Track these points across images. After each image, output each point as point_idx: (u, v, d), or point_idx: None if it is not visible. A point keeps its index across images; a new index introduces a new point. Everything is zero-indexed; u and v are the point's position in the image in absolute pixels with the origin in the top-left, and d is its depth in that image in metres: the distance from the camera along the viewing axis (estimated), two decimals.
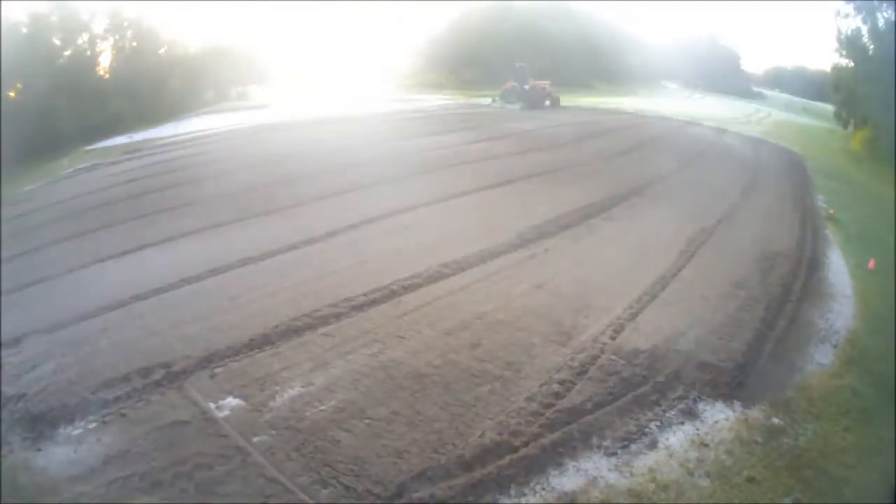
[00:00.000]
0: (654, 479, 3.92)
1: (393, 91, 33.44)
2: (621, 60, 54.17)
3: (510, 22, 43.45)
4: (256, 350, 4.94)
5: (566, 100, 27.75)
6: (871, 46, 20.53)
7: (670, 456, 4.13)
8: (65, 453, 3.77)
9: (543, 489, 3.67)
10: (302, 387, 4.46)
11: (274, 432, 3.94)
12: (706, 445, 4.27)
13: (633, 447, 4.13)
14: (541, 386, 4.62)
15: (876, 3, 20.26)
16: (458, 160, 12.66)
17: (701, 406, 4.69)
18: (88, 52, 29.46)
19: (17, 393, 4.32)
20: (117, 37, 31.17)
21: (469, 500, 3.51)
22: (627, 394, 4.63)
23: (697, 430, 4.42)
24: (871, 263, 8.27)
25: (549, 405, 4.39)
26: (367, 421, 4.10)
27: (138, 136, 21.94)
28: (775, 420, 4.62)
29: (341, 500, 3.42)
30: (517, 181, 11.08)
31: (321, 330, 5.30)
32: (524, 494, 3.62)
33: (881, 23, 20.47)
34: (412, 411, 4.23)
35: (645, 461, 4.06)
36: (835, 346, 5.89)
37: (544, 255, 7.42)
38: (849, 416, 4.78)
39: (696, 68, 64.69)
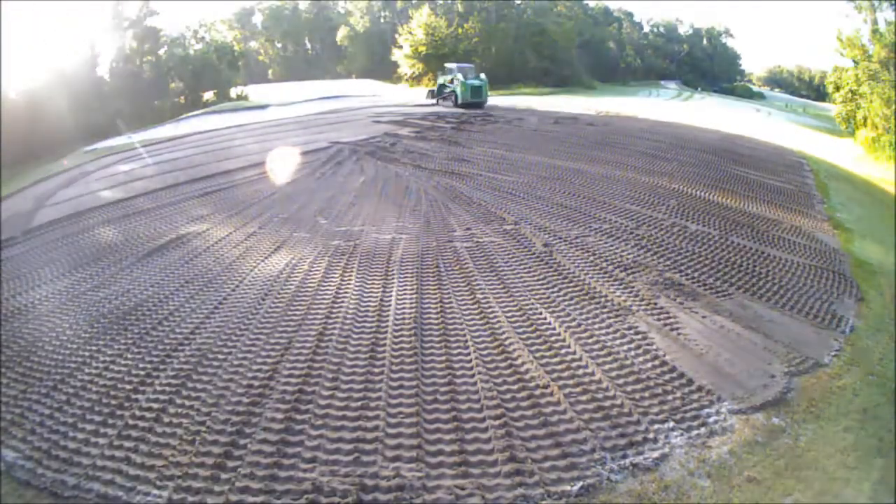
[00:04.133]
0: (655, 479, 3.93)
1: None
2: (621, 61, 54.16)
3: (510, 21, 43.45)
4: None
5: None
6: (871, 46, 20.53)
7: (671, 456, 4.14)
8: None
9: None
10: None
11: None
12: (707, 446, 4.28)
13: None
14: None
15: (876, 2, 20.26)
16: None
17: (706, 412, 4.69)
18: (88, 52, 29.46)
19: None
20: (117, 37, 31.17)
21: None
22: None
23: (699, 431, 4.43)
24: None
25: None
26: None
27: (138, 136, 21.93)
28: (775, 420, 4.62)
29: None
30: None
31: None
32: None
33: (881, 23, 20.47)
34: None
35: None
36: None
37: None
38: (849, 416, 4.78)
39: (697, 69, 64.80)
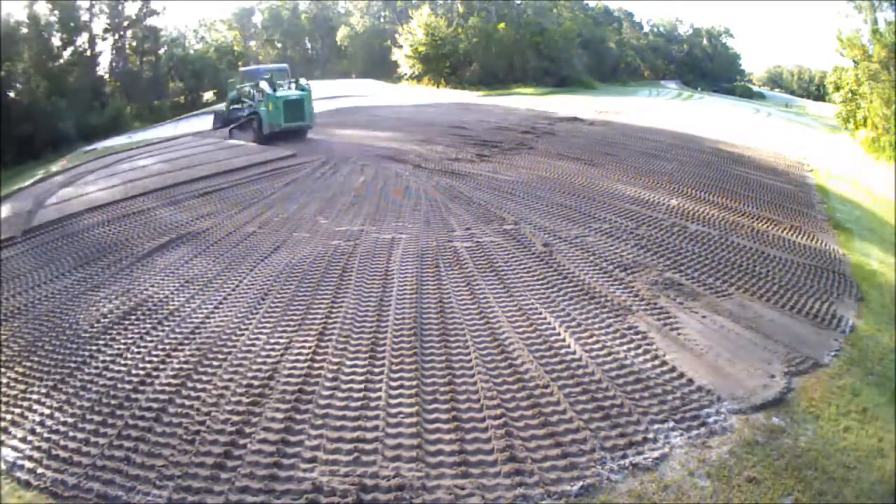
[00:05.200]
0: (655, 479, 3.93)
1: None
2: (622, 61, 54.10)
3: (510, 21, 43.44)
4: None
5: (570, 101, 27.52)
6: (871, 46, 20.53)
7: (671, 456, 4.15)
8: None
9: None
10: None
11: None
12: (707, 446, 4.28)
13: None
14: None
15: (876, 2, 20.26)
16: None
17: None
18: (88, 52, 29.47)
19: None
20: (117, 37, 31.17)
21: None
22: None
23: (699, 431, 4.44)
24: None
25: None
26: None
27: (138, 136, 21.92)
28: (775, 420, 4.62)
29: None
30: None
31: None
32: None
33: (881, 23, 20.48)
34: None
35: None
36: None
37: None
38: (849, 416, 4.78)
39: (697, 69, 64.78)
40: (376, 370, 5.14)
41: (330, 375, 5.07)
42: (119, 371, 5.33)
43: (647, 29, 70.53)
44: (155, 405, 4.76)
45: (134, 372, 5.30)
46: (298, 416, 4.54)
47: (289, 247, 8.48)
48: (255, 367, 5.26)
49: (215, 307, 6.56)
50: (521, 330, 5.84)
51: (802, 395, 4.98)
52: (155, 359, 5.51)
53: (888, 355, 5.80)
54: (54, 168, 16.84)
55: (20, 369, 5.54)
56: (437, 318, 6.08)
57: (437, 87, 41.54)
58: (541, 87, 40.50)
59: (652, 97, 40.29)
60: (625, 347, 5.55)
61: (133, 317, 6.46)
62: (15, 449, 4.41)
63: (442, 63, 42.57)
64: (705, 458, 4.16)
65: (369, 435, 4.31)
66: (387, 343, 5.59)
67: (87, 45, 29.41)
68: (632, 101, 34.10)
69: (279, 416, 4.54)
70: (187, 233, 9.29)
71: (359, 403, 4.68)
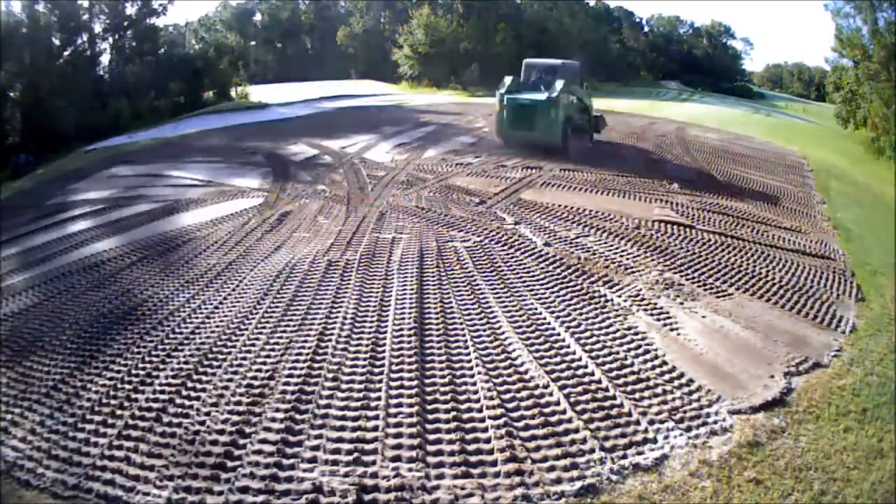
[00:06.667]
0: (655, 479, 3.93)
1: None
2: (621, 61, 54.09)
3: (510, 21, 43.44)
4: None
5: None
6: (871, 46, 20.53)
7: (672, 456, 4.15)
8: None
9: None
10: None
11: None
12: (708, 446, 4.28)
13: None
14: None
15: (876, 2, 20.26)
16: None
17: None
18: (88, 52, 29.45)
19: None
20: (117, 37, 31.14)
21: None
22: None
23: (699, 432, 4.44)
24: None
25: None
26: None
27: (138, 136, 21.91)
28: (776, 420, 4.63)
29: None
30: None
31: None
32: None
33: (881, 23, 20.48)
34: None
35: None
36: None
37: None
38: (849, 416, 4.78)
39: (697, 69, 64.75)
40: (376, 370, 5.14)
41: (330, 375, 5.07)
42: (119, 371, 5.34)
43: (647, 29, 70.57)
44: (155, 405, 4.76)
45: (134, 372, 5.30)
46: (298, 416, 4.54)
47: (289, 247, 8.48)
48: (255, 367, 5.27)
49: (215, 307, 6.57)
50: (521, 330, 5.84)
51: (802, 395, 4.98)
52: (155, 359, 5.51)
53: (888, 355, 5.80)
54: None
55: (20, 369, 5.54)
56: (437, 318, 6.08)
57: (437, 88, 41.52)
58: None
59: (652, 97, 40.28)
60: (625, 347, 5.55)
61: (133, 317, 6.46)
62: (15, 449, 4.41)
63: (442, 63, 42.53)
64: (706, 459, 4.16)
65: (369, 435, 4.31)
66: (387, 343, 5.59)
67: (87, 45, 29.38)
68: (632, 101, 34.06)
69: (279, 416, 4.54)
70: None
71: (359, 403, 4.68)
